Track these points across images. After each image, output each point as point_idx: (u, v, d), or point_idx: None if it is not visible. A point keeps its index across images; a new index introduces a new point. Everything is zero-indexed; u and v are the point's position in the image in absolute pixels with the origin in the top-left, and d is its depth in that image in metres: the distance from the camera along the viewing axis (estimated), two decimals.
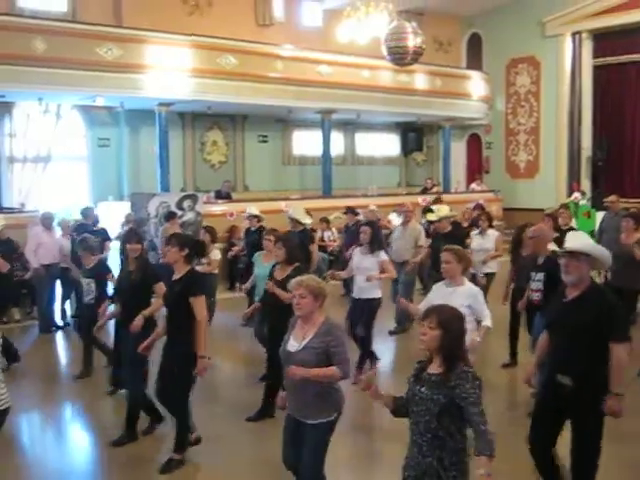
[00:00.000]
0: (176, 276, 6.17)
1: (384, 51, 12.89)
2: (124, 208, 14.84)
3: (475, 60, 23.78)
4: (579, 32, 21.09)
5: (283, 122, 20.32)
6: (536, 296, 7.26)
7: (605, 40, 21.06)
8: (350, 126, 21.82)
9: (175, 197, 15.02)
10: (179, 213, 14.44)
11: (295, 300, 4.73)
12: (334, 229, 16.13)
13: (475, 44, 24.01)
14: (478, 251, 10.57)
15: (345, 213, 14.01)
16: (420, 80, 20.21)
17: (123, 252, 10.65)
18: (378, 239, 8.72)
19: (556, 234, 9.24)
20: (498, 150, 23.49)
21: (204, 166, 19.01)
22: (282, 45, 17.65)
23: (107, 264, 9.81)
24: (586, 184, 21.44)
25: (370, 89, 18.60)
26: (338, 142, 21.40)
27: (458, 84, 21.46)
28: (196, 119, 18.65)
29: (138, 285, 6.86)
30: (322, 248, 14.47)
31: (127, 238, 7.21)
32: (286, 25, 19.78)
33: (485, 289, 9.47)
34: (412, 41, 12.50)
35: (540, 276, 7.29)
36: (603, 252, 4.98)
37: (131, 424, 6.70)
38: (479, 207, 14.95)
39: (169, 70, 15.22)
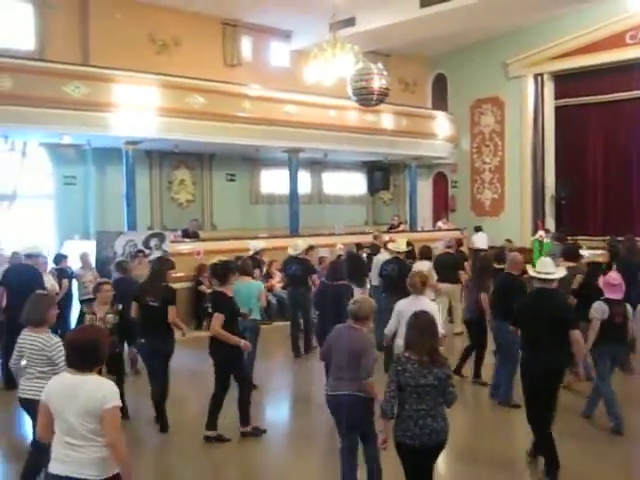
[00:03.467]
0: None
1: (350, 92, 13.02)
2: (90, 246, 14.73)
3: (440, 100, 24.13)
4: (541, 74, 21.55)
5: (251, 161, 20.40)
6: None
7: (566, 82, 21.54)
8: (317, 165, 21.97)
9: (142, 235, 14.95)
10: (146, 252, 14.38)
11: None
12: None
13: (440, 84, 24.39)
14: None
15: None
16: (386, 120, 20.45)
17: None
18: None
19: None
20: (464, 188, 23.76)
21: (171, 205, 18.98)
22: (250, 85, 17.79)
23: None
24: (550, 222, 21.72)
25: (337, 129, 18.79)
26: (305, 181, 21.50)
27: (424, 124, 21.76)
28: (163, 158, 18.65)
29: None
30: None
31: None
32: (254, 65, 19.96)
33: None
34: (377, 82, 12.61)
35: None
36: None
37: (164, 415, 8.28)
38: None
39: (136, 109, 15.23)
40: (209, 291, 8.38)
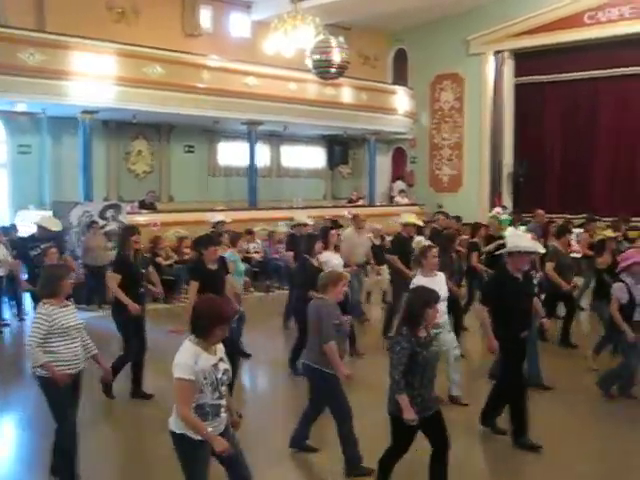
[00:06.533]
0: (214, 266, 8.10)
1: (309, 64, 12.98)
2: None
3: (401, 75, 24.13)
4: (501, 51, 21.65)
5: (209, 133, 20.24)
6: None
7: (526, 60, 21.67)
8: (276, 138, 21.87)
9: (98, 206, 14.80)
10: (102, 223, 14.26)
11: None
12: (259, 240, 16.21)
13: (401, 60, 24.37)
14: None
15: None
16: (346, 94, 20.40)
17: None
18: None
19: None
20: (422, 164, 23.86)
21: (128, 176, 18.78)
22: (209, 56, 17.60)
23: None
24: (507, 199, 21.94)
25: (297, 102, 18.69)
26: (264, 154, 21.41)
27: (384, 99, 21.75)
28: (121, 128, 18.41)
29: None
30: (247, 259, 14.44)
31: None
32: (214, 36, 19.75)
33: None
34: (337, 55, 12.61)
35: None
36: None
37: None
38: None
39: (93, 77, 14.98)
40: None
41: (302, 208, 19.02)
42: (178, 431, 4.57)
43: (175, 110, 16.49)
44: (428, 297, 5.44)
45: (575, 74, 20.57)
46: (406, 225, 11.42)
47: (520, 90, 22.06)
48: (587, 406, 8.15)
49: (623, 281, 8.16)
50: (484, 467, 6.78)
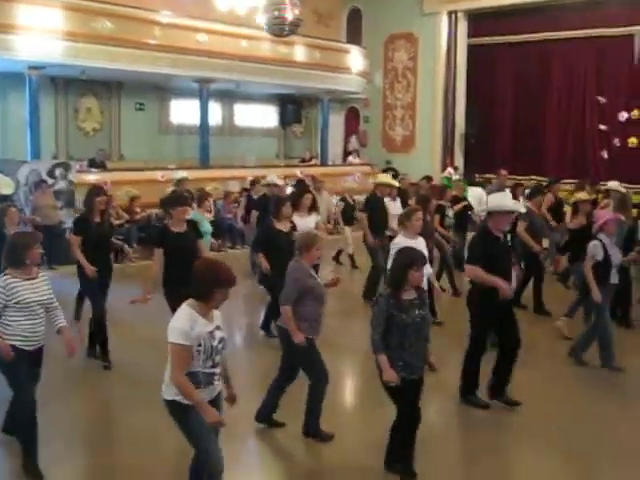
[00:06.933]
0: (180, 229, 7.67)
1: (262, 21, 12.84)
2: None
3: (355, 35, 23.96)
4: (455, 11, 21.59)
5: (161, 90, 19.92)
6: None
7: (480, 20, 21.68)
8: (229, 96, 21.62)
9: (46, 165, 14.56)
10: (50, 181, 14.04)
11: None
12: (210, 200, 16.07)
13: (355, 19, 24.19)
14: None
15: None
16: (299, 52, 20.20)
17: None
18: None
19: None
20: (375, 124, 23.85)
21: (77, 133, 18.43)
22: (160, 11, 17.25)
23: None
24: (459, 160, 22.07)
25: (249, 59, 18.43)
26: (216, 112, 21.17)
27: (337, 58, 21.56)
28: (70, 84, 18.02)
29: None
30: None
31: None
32: None
33: None
34: (290, 12, 12.49)
35: None
36: None
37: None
38: None
39: (40, 31, 14.54)
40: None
41: (254, 167, 18.94)
42: (169, 398, 4.49)
43: (125, 67, 16.13)
44: (412, 258, 5.27)
45: (527, 36, 20.67)
46: (379, 185, 11.50)
47: (473, 51, 22.08)
48: (540, 365, 8.36)
49: (600, 240, 8.27)
50: (447, 428, 6.86)
